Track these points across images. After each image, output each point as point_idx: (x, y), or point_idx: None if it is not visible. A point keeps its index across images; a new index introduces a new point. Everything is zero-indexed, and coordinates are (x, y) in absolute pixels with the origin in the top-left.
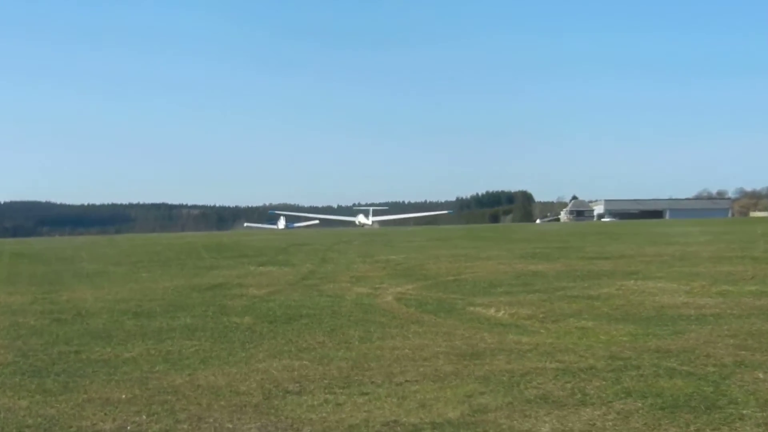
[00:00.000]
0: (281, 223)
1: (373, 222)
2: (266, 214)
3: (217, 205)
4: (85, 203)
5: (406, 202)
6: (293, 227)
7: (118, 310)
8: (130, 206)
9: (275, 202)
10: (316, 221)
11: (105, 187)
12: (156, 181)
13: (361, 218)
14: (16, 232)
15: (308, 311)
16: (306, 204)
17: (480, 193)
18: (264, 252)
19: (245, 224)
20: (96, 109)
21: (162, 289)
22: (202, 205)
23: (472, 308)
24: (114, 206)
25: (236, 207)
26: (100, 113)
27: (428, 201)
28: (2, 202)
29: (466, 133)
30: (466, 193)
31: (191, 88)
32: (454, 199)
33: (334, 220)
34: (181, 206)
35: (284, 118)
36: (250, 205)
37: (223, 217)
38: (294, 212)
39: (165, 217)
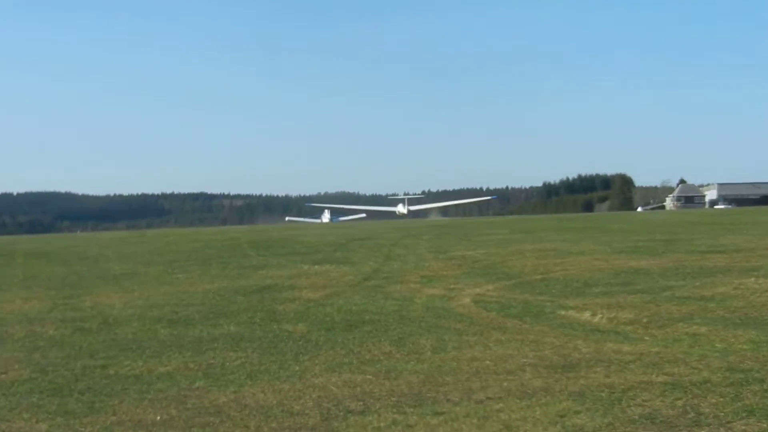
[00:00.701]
0: (326, 217)
1: (408, 211)
2: (313, 208)
3: (264, 194)
4: (111, 194)
5: (451, 189)
6: (338, 221)
7: (151, 317)
8: (164, 197)
9: (309, 192)
10: (363, 215)
11: (134, 176)
12: (193, 168)
13: (399, 208)
14: (32, 228)
15: (372, 317)
16: (335, 191)
17: (570, 177)
18: (319, 249)
19: (287, 218)
20: (123, 87)
21: (201, 293)
22: (247, 195)
23: (563, 312)
24: (144, 197)
25: (286, 197)
26: (128, 92)
27: (481, 187)
28: (15, 194)
29: (548, 113)
30: (554, 177)
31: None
32: (540, 184)
33: (372, 210)
34: (222, 196)
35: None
36: (303, 194)
37: (270, 208)
38: (330, 204)
39: (203, 208)
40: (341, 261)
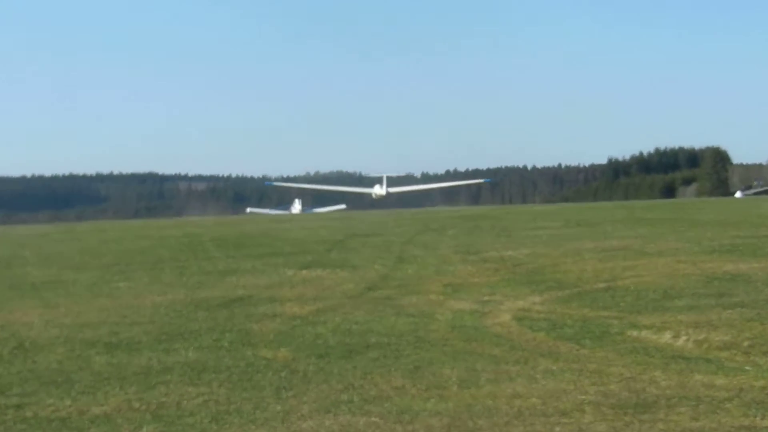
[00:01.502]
0: (296, 207)
1: (387, 193)
2: (276, 192)
3: (234, 175)
4: (28, 175)
5: (450, 170)
6: (311, 212)
7: (82, 340)
8: (99, 178)
9: (265, 173)
10: (343, 205)
11: (59, 151)
12: (138, 141)
13: (376, 189)
14: None
15: (379, 339)
16: (295, 173)
17: (645, 152)
18: (308, 247)
19: (248, 209)
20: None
21: (150, 307)
22: (211, 176)
23: (635, 332)
24: (73, 179)
25: (264, 178)
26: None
27: (492, 167)
28: None
29: (612, 66)
30: (622, 151)
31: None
32: (604, 160)
33: (341, 192)
34: (177, 177)
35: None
36: (285, 174)
37: (242, 195)
38: (288, 182)
39: (153, 194)
40: (338, 264)
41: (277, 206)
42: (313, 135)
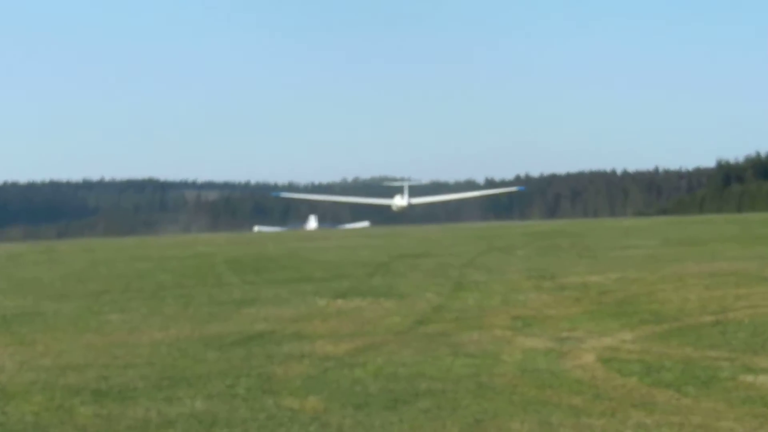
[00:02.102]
0: (311, 224)
1: (408, 204)
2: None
3: (253, 182)
4: (0, 182)
5: (473, 179)
6: (337, 228)
7: (65, 386)
8: (87, 186)
9: (292, 180)
10: (366, 222)
11: (38, 154)
12: (136, 141)
13: (397, 200)
14: None
15: (431, 385)
16: (302, 180)
17: (764, 153)
18: (344, 271)
19: (256, 228)
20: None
21: (149, 346)
22: (225, 183)
23: (749, 378)
24: (55, 186)
25: (291, 185)
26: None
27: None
28: None
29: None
30: (735, 152)
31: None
32: (711, 163)
33: (357, 204)
34: (183, 185)
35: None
36: (318, 182)
37: (262, 207)
38: (299, 193)
39: (153, 205)
40: (381, 292)
41: (289, 223)
42: (343, 136)
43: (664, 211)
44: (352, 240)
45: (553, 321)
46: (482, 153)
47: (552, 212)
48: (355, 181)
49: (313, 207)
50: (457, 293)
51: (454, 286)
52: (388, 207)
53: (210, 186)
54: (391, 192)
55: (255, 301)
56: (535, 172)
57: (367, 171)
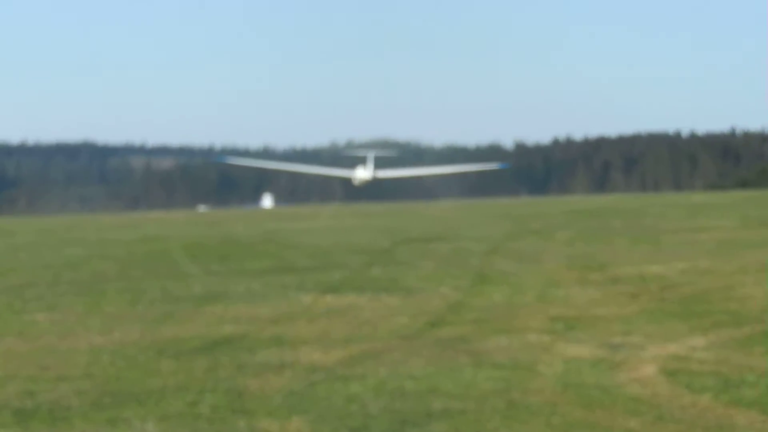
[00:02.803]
0: (266, 203)
1: (373, 177)
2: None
3: (218, 145)
4: None
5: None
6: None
7: None
8: (5, 150)
9: (267, 144)
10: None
11: None
12: (67, 99)
13: (359, 172)
14: None
15: (448, 404)
16: (254, 145)
17: None
18: (335, 259)
19: (200, 207)
20: None
21: (86, 353)
22: (182, 148)
23: None
24: None
25: (267, 150)
26: None
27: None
28: None
29: None
30: None
31: None
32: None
33: (312, 175)
34: (128, 149)
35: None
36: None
37: (232, 178)
38: (250, 160)
39: (92, 175)
40: (383, 286)
41: (245, 202)
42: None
43: (743, 184)
44: (346, 220)
45: (602, 323)
46: (510, 107)
47: (600, 185)
48: (349, 144)
49: (268, 178)
50: (479, 287)
51: (475, 278)
52: (350, 179)
53: (163, 151)
54: (355, 162)
55: (221, 296)
56: (578, 134)
57: (366, 132)
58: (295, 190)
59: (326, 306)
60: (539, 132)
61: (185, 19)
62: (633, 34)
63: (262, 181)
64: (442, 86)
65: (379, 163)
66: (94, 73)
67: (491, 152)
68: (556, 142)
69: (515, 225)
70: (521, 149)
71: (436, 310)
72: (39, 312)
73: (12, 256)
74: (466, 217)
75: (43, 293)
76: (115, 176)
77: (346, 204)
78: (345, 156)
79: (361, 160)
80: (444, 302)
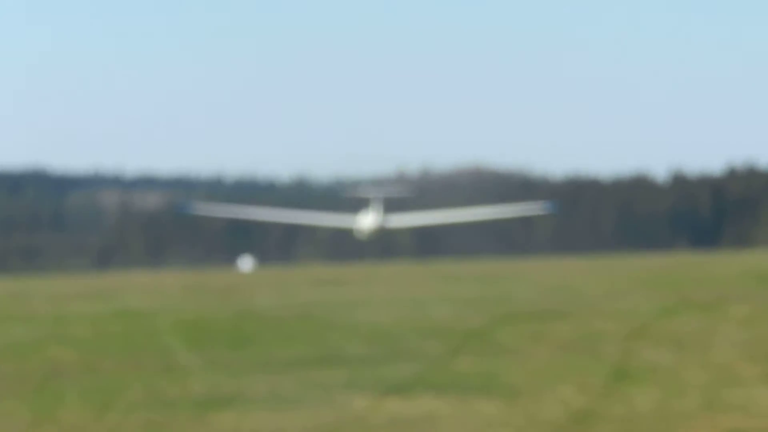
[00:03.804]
0: (246, 263)
1: (381, 227)
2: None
3: (234, 172)
4: None
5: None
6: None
7: None
8: None
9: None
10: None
11: None
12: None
13: (364, 220)
14: None
15: None
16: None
17: None
18: (402, 344)
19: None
20: None
21: None
22: (171, 177)
23: None
24: None
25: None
26: None
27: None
28: None
29: None
30: None
31: None
32: None
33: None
34: (96, 179)
35: None
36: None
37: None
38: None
39: (39, 215)
40: (474, 385)
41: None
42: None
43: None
44: (417, 286)
45: None
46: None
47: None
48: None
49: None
50: (618, 388)
51: (612, 373)
52: (351, 231)
53: (147, 182)
54: (358, 206)
55: (233, 400)
56: (763, 160)
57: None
58: (283, 242)
59: (389, 415)
60: (705, 158)
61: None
62: None
63: (235, 231)
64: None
65: (391, 205)
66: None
67: (635, 186)
68: (731, 173)
69: (669, 295)
70: (679, 181)
71: (553, 422)
72: None
73: None
74: (596, 283)
75: None
76: (79, 218)
77: (403, 262)
78: (335, 192)
79: (363, 203)
80: (565, 410)
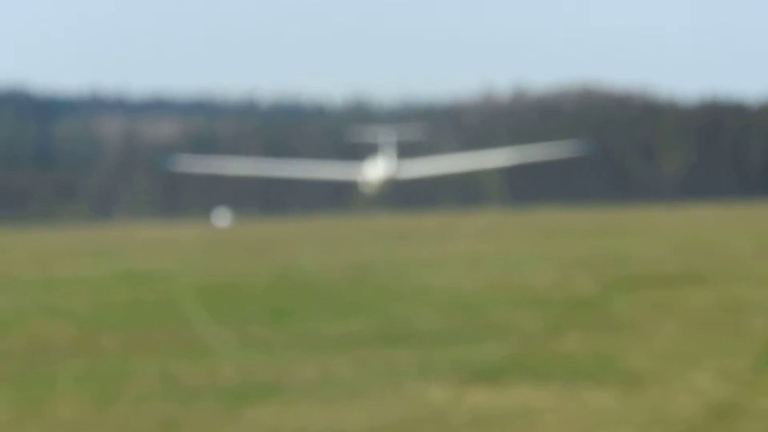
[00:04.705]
0: (221, 218)
1: (391, 179)
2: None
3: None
4: None
5: None
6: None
7: None
8: None
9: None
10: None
11: None
12: None
13: (370, 171)
14: None
15: None
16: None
17: None
18: (487, 317)
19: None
20: None
21: None
22: (196, 100)
23: None
24: None
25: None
26: None
27: None
28: None
29: None
30: None
31: None
32: None
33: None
34: (93, 102)
35: None
36: None
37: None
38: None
39: (21, 146)
40: (583, 369)
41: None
42: None
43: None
44: (508, 241)
45: None
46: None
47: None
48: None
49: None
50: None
51: (762, 355)
52: (356, 184)
53: (158, 105)
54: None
55: (273, 389)
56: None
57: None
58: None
59: (476, 407)
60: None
61: None
62: None
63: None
64: None
65: (405, 150)
66: None
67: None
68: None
69: None
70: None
71: (686, 419)
72: None
73: None
74: (741, 237)
75: None
76: (70, 153)
77: (472, 211)
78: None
79: (370, 149)
80: (703, 403)
